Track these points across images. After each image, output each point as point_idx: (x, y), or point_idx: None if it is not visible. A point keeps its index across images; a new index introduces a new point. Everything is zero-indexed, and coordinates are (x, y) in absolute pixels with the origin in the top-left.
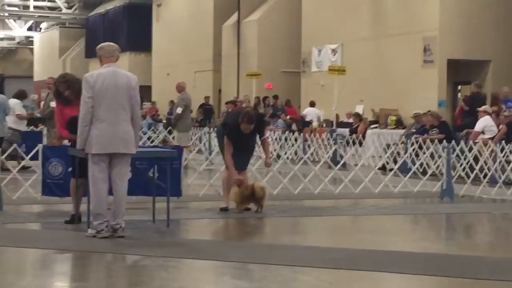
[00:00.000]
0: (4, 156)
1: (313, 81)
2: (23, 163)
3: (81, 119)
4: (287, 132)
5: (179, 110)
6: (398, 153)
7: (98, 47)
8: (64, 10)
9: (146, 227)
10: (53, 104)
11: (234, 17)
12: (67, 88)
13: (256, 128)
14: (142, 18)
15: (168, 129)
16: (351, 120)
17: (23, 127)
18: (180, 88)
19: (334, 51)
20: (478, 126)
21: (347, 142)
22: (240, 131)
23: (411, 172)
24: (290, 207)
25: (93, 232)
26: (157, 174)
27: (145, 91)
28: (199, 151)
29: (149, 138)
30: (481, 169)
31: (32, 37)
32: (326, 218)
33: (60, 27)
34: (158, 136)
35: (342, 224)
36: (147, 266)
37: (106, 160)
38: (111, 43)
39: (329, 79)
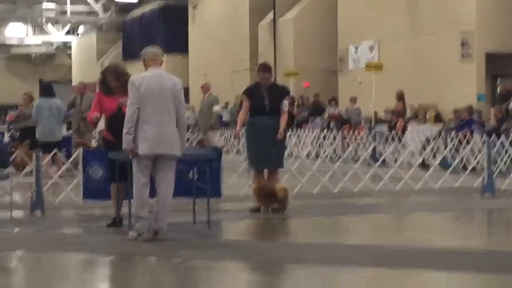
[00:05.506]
0: None
1: (350, 78)
2: (64, 167)
3: (127, 120)
4: (325, 130)
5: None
6: (438, 148)
7: (142, 51)
8: (101, 15)
9: (187, 229)
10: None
11: (270, 15)
12: (114, 79)
13: (277, 96)
14: (178, 20)
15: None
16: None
17: None
18: (207, 88)
19: (371, 47)
20: None
21: (386, 139)
22: (260, 88)
23: (451, 168)
24: (330, 206)
25: (135, 234)
26: (196, 176)
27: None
28: (237, 152)
29: (187, 140)
30: None
31: (70, 42)
32: (366, 216)
33: (97, 31)
34: (196, 137)
35: (383, 221)
36: (190, 268)
37: (150, 165)
38: (155, 47)
39: (366, 76)
